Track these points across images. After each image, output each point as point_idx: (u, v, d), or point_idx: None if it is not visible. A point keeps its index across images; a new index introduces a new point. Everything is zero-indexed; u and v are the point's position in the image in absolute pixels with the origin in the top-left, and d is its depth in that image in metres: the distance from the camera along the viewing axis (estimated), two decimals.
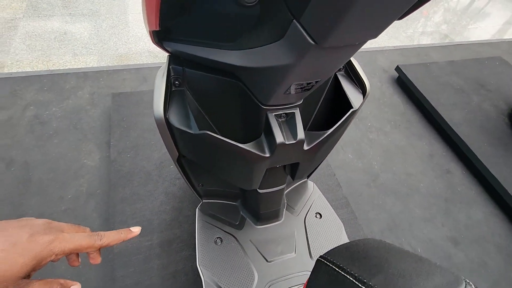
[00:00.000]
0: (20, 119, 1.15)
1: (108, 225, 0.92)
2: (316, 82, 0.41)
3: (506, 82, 1.65)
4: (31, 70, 1.49)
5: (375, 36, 0.32)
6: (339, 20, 0.26)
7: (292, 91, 0.42)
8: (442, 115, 1.38)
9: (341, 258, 0.30)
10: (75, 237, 0.32)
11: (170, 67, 0.47)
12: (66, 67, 1.55)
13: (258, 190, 0.64)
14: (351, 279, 0.26)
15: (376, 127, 1.41)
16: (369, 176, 1.23)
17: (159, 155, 1.08)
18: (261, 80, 0.41)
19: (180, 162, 0.58)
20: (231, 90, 0.48)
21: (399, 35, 2.35)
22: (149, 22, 0.37)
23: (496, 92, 1.58)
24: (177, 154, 0.54)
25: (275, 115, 0.47)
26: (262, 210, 0.71)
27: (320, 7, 0.27)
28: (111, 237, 0.36)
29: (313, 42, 0.30)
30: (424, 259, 0.26)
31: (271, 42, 0.34)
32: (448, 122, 1.36)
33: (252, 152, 0.47)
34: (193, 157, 0.55)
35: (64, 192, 1.00)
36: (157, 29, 0.37)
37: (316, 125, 0.62)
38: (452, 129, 1.34)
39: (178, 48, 0.43)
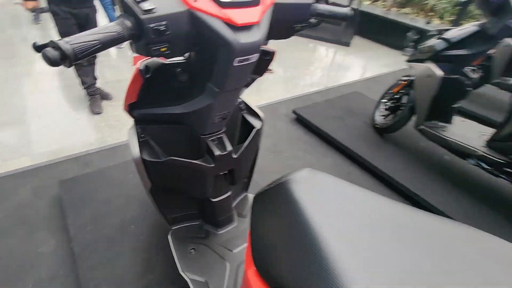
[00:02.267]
0: None
1: None
2: (228, 112, 0.73)
3: (365, 106, 2.35)
4: None
5: (244, 84, 0.67)
6: (226, 81, 0.60)
7: (216, 120, 0.73)
8: (332, 136, 1.90)
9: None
10: None
11: (137, 126, 0.73)
12: None
13: (212, 200, 0.87)
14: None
15: (291, 156, 1.82)
16: None
17: (117, 220, 1.20)
18: (198, 117, 0.71)
19: (153, 192, 0.79)
20: (180, 131, 0.76)
21: (290, 90, 3.05)
22: (130, 97, 0.64)
23: (361, 114, 2.24)
24: (150, 184, 0.76)
25: (210, 139, 0.76)
26: (219, 217, 0.93)
27: (217, 82, 0.60)
28: None
29: (218, 90, 0.62)
30: None
31: (199, 95, 0.65)
32: (338, 139, 1.87)
33: (203, 165, 0.74)
34: (162, 181, 0.78)
35: (24, 284, 1.00)
36: (135, 100, 0.64)
37: (236, 143, 0.93)
38: (342, 143, 1.85)
39: (142, 112, 0.70)
